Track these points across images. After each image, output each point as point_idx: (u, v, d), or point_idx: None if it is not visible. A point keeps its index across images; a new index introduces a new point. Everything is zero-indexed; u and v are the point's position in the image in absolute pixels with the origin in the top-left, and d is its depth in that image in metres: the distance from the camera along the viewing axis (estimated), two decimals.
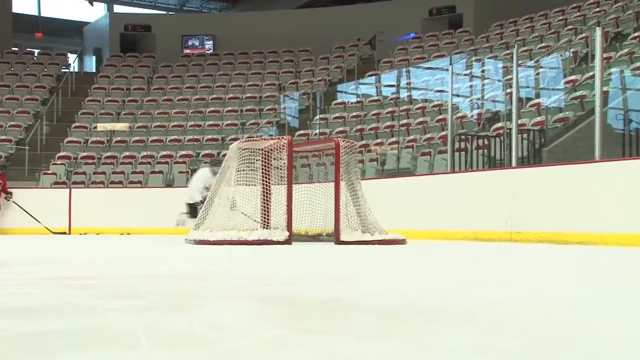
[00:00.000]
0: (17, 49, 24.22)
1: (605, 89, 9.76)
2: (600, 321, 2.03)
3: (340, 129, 15.84)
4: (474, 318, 2.08)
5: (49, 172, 15.97)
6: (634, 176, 7.26)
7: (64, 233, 12.82)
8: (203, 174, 10.56)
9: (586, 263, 4.95)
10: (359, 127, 15.71)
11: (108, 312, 2.16)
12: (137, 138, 18.07)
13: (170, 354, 1.50)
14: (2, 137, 17.68)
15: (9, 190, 13.08)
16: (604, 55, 10.29)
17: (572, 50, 13.85)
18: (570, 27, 16.11)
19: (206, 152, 16.97)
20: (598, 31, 8.72)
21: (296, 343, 1.65)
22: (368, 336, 1.77)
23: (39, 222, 12.71)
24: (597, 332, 1.83)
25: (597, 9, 16.77)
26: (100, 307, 2.30)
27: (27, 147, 16.97)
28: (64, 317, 2.08)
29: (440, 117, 13.77)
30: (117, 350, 1.55)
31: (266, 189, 8.37)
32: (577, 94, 11.57)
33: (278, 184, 8.44)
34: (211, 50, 24.46)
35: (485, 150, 11.21)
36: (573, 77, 12.59)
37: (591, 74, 11.20)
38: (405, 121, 14.62)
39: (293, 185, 8.39)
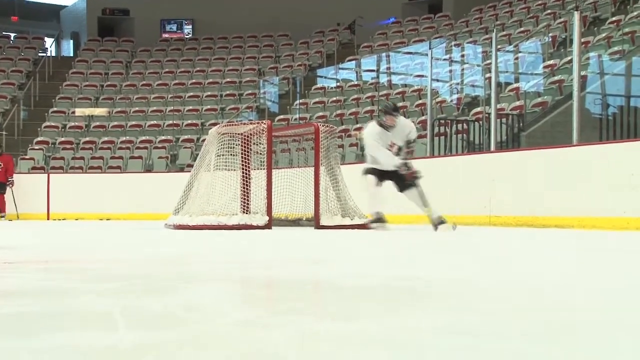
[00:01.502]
0: None
1: (583, 73, 9.83)
2: (576, 303, 2.06)
3: (320, 113, 15.88)
4: (451, 299, 2.10)
5: (27, 157, 15.91)
6: (611, 160, 7.34)
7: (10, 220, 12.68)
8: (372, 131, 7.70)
9: (563, 246, 4.97)
10: (338, 112, 15.75)
11: (85, 295, 2.16)
12: (115, 123, 17.98)
13: (146, 335, 1.50)
14: None
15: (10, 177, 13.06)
16: (582, 40, 10.38)
17: (550, 34, 13.95)
18: (549, 11, 16.14)
19: (186, 137, 16.99)
20: (576, 16, 8.76)
21: (272, 323, 1.66)
22: (344, 316, 1.78)
23: (16, 210, 12.67)
24: (573, 313, 1.85)
25: None
26: (77, 289, 2.30)
27: (4, 132, 16.80)
28: (41, 299, 2.08)
29: (420, 101, 13.82)
30: (93, 332, 1.56)
31: (246, 174, 8.37)
32: (556, 78, 11.67)
33: (258, 169, 8.44)
34: (190, 35, 24.28)
35: (465, 135, 11.28)
36: (551, 62, 12.68)
37: (569, 58, 11.29)
38: None
39: (273, 170, 8.38)
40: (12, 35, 24.02)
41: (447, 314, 1.81)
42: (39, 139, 16.90)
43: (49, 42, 23.64)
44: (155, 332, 1.55)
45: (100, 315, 1.77)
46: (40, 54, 22.07)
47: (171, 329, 1.56)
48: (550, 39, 13.78)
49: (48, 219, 12.94)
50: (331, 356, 1.31)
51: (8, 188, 12.91)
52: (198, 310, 1.85)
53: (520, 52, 13.69)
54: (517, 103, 11.57)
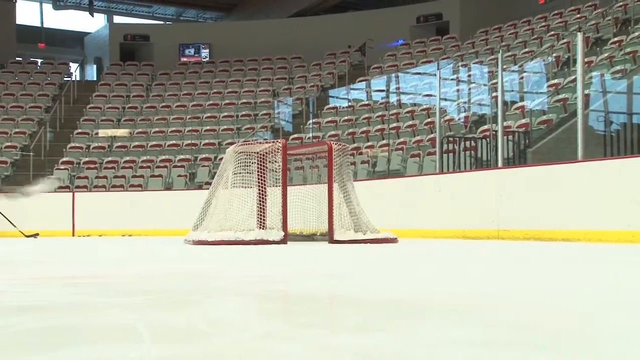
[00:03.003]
0: (21, 59, 24.52)
1: (586, 92, 9.94)
2: (583, 314, 2.08)
3: (333, 132, 16.03)
4: (463, 312, 2.11)
5: (53, 177, 16.02)
6: (614, 175, 7.37)
7: (36, 235, 12.26)
8: None
9: (570, 259, 4.97)
10: (350, 130, 15.90)
11: (110, 309, 2.19)
12: (137, 143, 18.29)
13: (170, 348, 1.52)
14: (8, 144, 17.96)
15: None
16: (585, 60, 10.20)
17: (554, 55, 14.07)
18: (552, 32, 16.33)
19: (204, 155, 17.17)
20: (579, 36, 8.80)
21: (291, 336, 1.68)
22: (361, 329, 1.79)
23: (14, 226, 12.14)
24: (581, 324, 1.88)
25: (578, 15, 17.03)
26: (102, 304, 2.34)
27: (31, 153, 17.15)
28: (68, 313, 2.12)
29: (429, 120, 13.92)
30: (119, 345, 1.59)
31: (262, 191, 8.46)
32: (560, 97, 11.75)
33: (273, 186, 8.50)
34: (207, 58, 24.67)
35: (473, 152, 11.36)
36: (556, 81, 12.76)
37: (573, 77, 11.29)
38: (395, 124, 14.79)
39: (287, 187, 8.43)
40: (39, 61, 24.58)
41: (462, 326, 1.81)
42: (64, 159, 17.25)
43: (73, 67, 24.16)
44: (179, 345, 1.55)
45: (125, 329, 1.79)
46: (65, 79, 22.58)
47: (195, 343, 1.57)
48: (554, 59, 13.91)
49: (73, 235, 13.15)
50: None
51: None
52: (219, 324, 1.88)
53: (525, 71, 13.80)
54: (523, 121, 11.65)
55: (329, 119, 17.23)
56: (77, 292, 2.77)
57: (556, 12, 18.18)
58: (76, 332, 1.77)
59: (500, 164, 9.52)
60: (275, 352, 1.47)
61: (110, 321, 1.96)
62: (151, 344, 1.58)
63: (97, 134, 19.05)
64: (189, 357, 1.43)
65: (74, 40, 28.53)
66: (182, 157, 17.31)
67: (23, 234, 12.26)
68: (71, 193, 14.10)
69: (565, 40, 14.80)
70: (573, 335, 1.70)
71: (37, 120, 19.47)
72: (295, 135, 16.86)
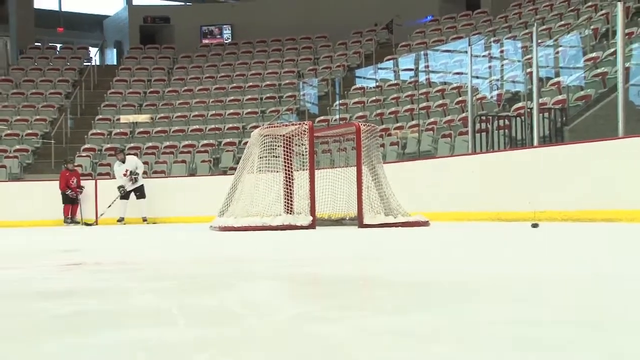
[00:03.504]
0: (39, 44, 24.49)
1: (627, 65, 9.68)
2: (627, 296, 2.01)
3: (360, 113, 15.88)
4: (498, 292, 2.11)
5: (75, 164, 16.24)
6: None
7: (94, 223, 12.98)
8: None
9: (611, 240, 4.85)
10: (378, 111, 15.73)
11: (142, 294, 2.21)
12: (159, 128, 18.29)
13: (205, 330, 1.53)
14: (29, 131, 17.97)
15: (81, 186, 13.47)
16: (626, 31, 10.16)
17: (592, 27, 13.72)
18: (590, 3, 15.85)
19: (228, 140, 17.19)
20: (619, 6, 8.58)
21: (326, 317, 1.68)
22: (396, 310, 1.80)
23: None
24: (621, 305, 1.82)
25: None
26: (134, 289, 2.36)
27: (52, 141, 17.23)
28: (100, 299, 2.14)
29: (460, 99, 13.76)
30: (154, 328, 1.59)
31: (288, 175, 8.40)
32: (598, 71, 11.51)
33: (300, 170, 8.45)
34: (229, 40, 24.57)
35: (507, 131, 11.20)
36: (593, 55, 12.49)
37: (612, 50, 11.16)
38: (424, 104, 14.61)
39: (315, 171, 8.39)
40: (59, 46, 24.56)
41: (500, 306, 1.81)
42: (86, 146, 17.27)
43: (93, 51, 24.16)
44: (214, 327, 1.57)
45: (159, 312, 1.80)
46: (85, 64, 22.55)
47: (228, 324, 1.59)
48: (591, 32, 13.55)
49: (96, 223, 13.20)
50: (394, 349, 1.31)
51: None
52: (252, 306, 1.87)
53: (560, 46, 13.50)
54: (559, 97, 11.46)
55: (356, 99, 17.03)
56: (107, 278, 2.78)
57: None
58: (108, 316, 1.79)
59: (535, 142, 9.43)
60: (313, 333, 1.48)
61: (143, 305, 1.98)
62: (186, 326, 1.59)
63: (118, 119, 19.05)
64: (225, 338, 1.45)
65: (93, 24, 28.65)
66: (205, 142, 17.29)
67: (85, 222, 13.08)
68: (94, 180, 14.15)
69: (603, 12, 14.39)
70: (619, 314, 1.68)
71: (57, 107, 19.46)
72: (322, 118, 16.75)
